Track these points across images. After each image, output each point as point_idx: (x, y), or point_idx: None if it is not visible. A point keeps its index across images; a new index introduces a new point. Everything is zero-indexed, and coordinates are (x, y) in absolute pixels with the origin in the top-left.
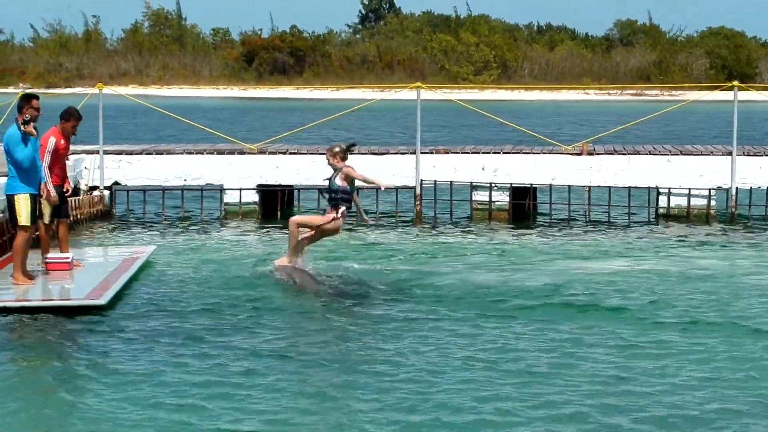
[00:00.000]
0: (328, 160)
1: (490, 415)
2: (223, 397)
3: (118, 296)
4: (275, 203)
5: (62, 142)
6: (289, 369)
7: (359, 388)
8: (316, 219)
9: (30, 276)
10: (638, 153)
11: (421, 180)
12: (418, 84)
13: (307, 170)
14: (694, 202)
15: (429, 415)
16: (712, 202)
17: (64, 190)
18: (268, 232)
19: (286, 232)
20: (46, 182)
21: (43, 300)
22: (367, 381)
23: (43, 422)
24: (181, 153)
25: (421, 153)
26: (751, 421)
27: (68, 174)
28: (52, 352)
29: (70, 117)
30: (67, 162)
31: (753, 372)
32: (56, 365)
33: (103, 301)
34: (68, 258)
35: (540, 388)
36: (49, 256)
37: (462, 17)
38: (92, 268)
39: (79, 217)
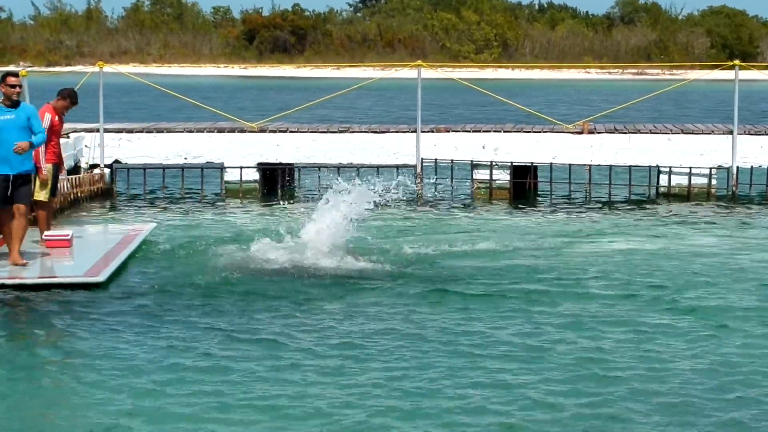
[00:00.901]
0: None
1: (479, 397)
2: (212, 377)
3: (117, 273)
4: (276, 181)
5: (56, 119)
6: (279, 353)
7: (345, 372)
8: None
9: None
10: (639, 132)
11: (422, 158)
12: (419, 62)
13: (307, 148)
14: (694, 180)
15: (410, 396)
16: (713, 181)
17: (59, 171)
18: (269, 210)
19: (287, 209)
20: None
21: (41, 277)
22: (352, 365)
23: (35, 399)
24: (182, 131)
25: (422, 132)
26: (748, 407)
27: (69, 152)
28: (48, 328)
29: (68, 97)
30: (67, 141)
31: (748, 354)
32: (52, 342)
33: (101, 278)
34: (68, 235)
35: (540, 365)
36: (48, 233)
37: None
38: (92, 245)
39: (79, 195)
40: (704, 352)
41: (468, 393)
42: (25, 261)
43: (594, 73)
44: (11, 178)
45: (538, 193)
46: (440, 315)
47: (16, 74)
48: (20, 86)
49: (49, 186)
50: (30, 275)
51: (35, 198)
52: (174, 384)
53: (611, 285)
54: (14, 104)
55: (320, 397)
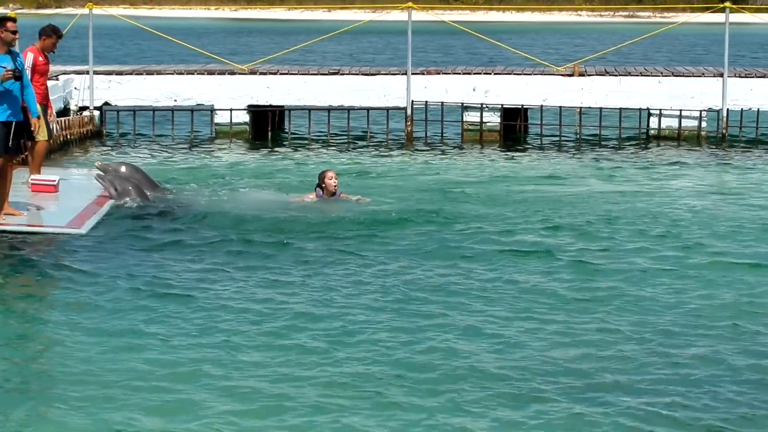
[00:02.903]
0: None
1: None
2: (185, 329)
3: (101, 219)
4: (266, 124)
5: (41, 59)
6: (258, 292)
7: (320, 334)
8: None
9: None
10: (629, 74)
11: (412, 101)
12: (410, 4)
13: (297, 91)
14: (685, 123)
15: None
16: (703, 124)
17: (48, 114)
18: (259, 152)
19: (278, 152)
20: (39, 117)
21: (21, 225)
22: (332, 324)
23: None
24: (172, 73)
25: (412, 74)
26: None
27: (58, 94)
28: (26, 276)
29: (52, 34)
30: (56, 83)
31: (730, 301)
32: (28, 290)
33: (83, 230)
34: (54, 181)
35: (532, 309)
36: (34, 177)
37: None
38: (77, 192)
39: (69, 137)
40: (697, 295)
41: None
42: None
43: (585, 16)
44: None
45: (528, 135)
46: (432, 265)
47: (14, 19)
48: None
49: (43, 126)
50: (12, 221)
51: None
52: (152, 325)
53: (600, 228)
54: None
55: (300, 339)
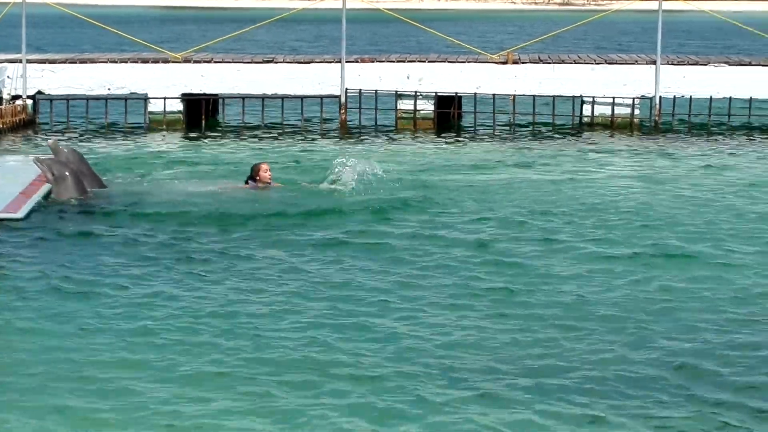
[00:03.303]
0: None
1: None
2: (113, 318)
3: (37, 206)
4: (199, 112)
5: None
6: (186, 271)
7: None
8: None
9: None
10: (563, 62)
11: (346, 89)
12: None
13: (231, 79)
14: (617, 110)
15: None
16: (636, 111)
17: None
18: (193, 141)
19: (211, 140)
20: None
21: None
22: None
23: None
24: (105, 62)
25: (347, 62)
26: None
27: None
28: None
29: None
30: None
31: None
32: None
33: (20, 215)
34: None
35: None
36: None
37: None
38: (11, 179)
39: (1, 126)
40: (627, 281)
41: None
42: None
43: (520, 4)
44: None
45: (462, 123)
46: (363, 254)
47: None
48: None
49: None
50: None
51: None
52: (81, 313)
53: (530, 216)
54: None
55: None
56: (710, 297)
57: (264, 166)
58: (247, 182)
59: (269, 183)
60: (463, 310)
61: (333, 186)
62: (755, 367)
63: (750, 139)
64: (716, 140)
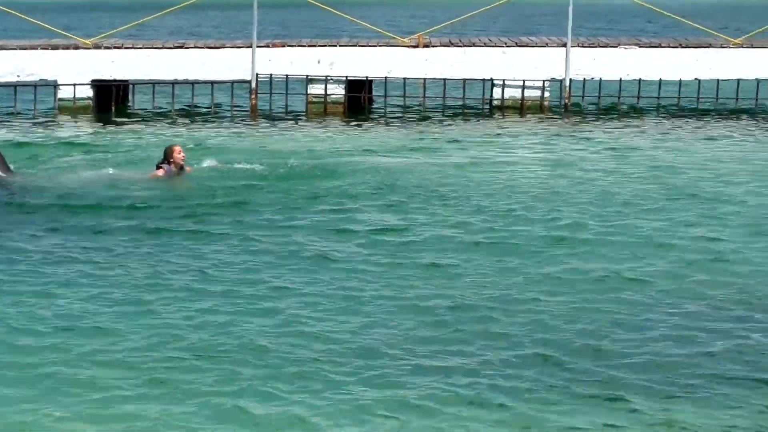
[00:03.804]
0: None
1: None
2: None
3: None
4: (110, 98)
5: None
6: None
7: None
8: None
9: None
10: (474, 45)
11: (257, 74)
12: None
13: (142, 65)
14: (528, 93)
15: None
16: (546, 93)
17: None
18: (103, 128)
19: (122, 127)
20: None
21: None
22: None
23: None
24: (15, 48)
25: (257, 47)
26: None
27: None
28: None
29: None
30: None
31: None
32: None
33: None
34: None
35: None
36: None
37: None
38: None
39: None
40: (520, 268)
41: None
42: None
43: None
44: None
45: (373, 107)
46: (273, 240)
47: None
48: None
49: None
50: None
51: None
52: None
53: (439, 199)
54: None
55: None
56: (598, 280)
57: (177, 148)
58: (160, 166)
59: (182, 165)
60: (358, 296)
61: (242, 170)
62: (640, 347)
63: (658, 122)
64: (626, 122)
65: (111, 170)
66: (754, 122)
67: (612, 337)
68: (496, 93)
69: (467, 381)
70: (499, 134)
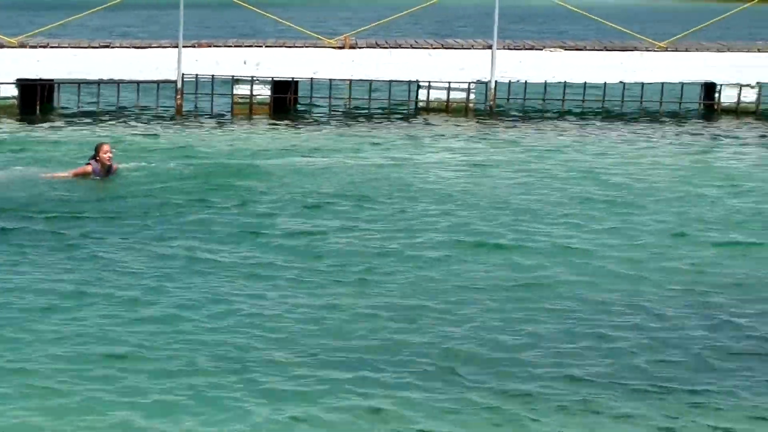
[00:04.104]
0: None
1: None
2: None
3: None
4: (35, 98)
5: None
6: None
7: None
8: None
9: None
10: (400, 46)
11: (183, 74)
12: None
13: (68, 64)
14: (453, 95)
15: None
16: (471, 96)
17: None
18: (28, 127)
19: (47, 126)
20: None
21: None
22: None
23: None
24: None
25: (184, 47)
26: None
27: None
28: None
29: None
30: None
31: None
32: None
33: None
34: None
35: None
36: None
37: None
38: None
39: None
40: (437, 270)
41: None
42: None
43: None
44: None
45: (298, 108)
46: (192, 242)
47: None
48: None
49: None
50: None
51: None
52: None
53: (365, 201)
54: None
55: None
56: (511, 287)
57: (105, 147)
58: (89, 162)
59: (110, 163)
60: (270, 295)
61: (164, 170)
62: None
63: (583, 125)
64: (550, 125)
65: (33, 169)
66: (678, 126)
67: (522, 345)
68: (422, 95)
69: (364, 391)
70: (423, 136)
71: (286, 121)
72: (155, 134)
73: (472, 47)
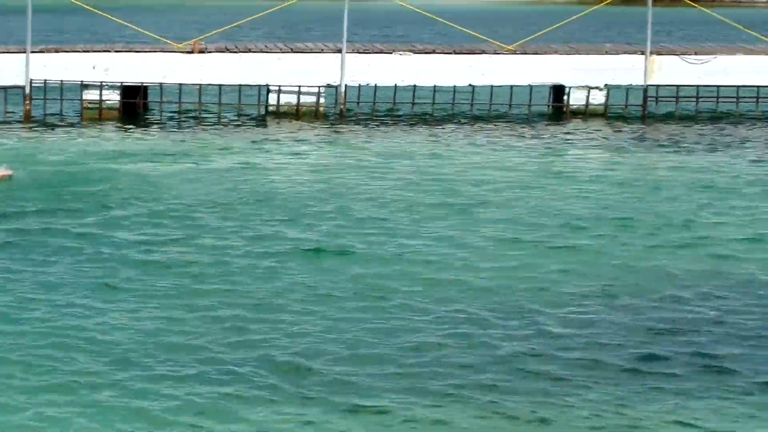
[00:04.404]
0: None
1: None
2: None
3: None
4: None
5: None
6: None
7: None
8: None
9: None
10: (250, 51)
11: (31, 79)
12: None
13: None
14: (303, 99)
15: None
16: (322, 100)
17: None
18: None
19: None
20: None
21: None
22: None
23: None
24: None
25: (31, 52)
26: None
27: None
28: None
29: None
30: None
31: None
32: None
33: None
34: None
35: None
36: None
37: None
38: None
39: None
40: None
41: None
42: None
43: None
44: None
45: (148, 113)
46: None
47: None
48: None
49: None
50: None
51: None
52: None
53: (214, 204)
54: None
55: None
56: (342, 290)
57: None
58: None
59: None
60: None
61: (6, 177)
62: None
63: (431, 128)
64: (399, 129)
65: None
66: (527, 129)
67: (360, 347)
68: (272, 99)
69: (218, 390)
70: (273, 141)
71: (135, 126)
72: (2, 141)
73: (321, 51)
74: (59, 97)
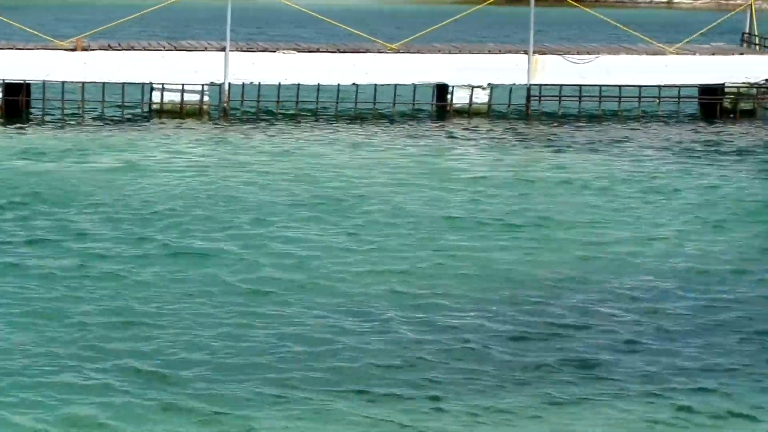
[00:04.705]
0: None
1: None
2: None
3: None
4: None
5: None
6: None
7: None
8: None
9: None
10: (133, 49)
11: None
12: None
13: None
14: (187, 97)
15: None
16: (205, 98)
17: None
18: None
19: None
20: None
21: None
22: None
23: None
24: None
25: None
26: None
27: None
28: None
29: None
30: None
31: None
32: None
33: None
34: None
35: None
36: None
37: None
38: None
39: None
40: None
41: None
42: None
43: None
44: None
45: (31, 111)
46: None
47: None
48: None
49: None
50: None
51: None
52: None
53: (93, 204)
54: None
55: None
56: (221, 289)
57: None
58: None
59: None
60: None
61: None
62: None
63: (315, 127)
64: (283, 127)
65: None
66: (411, 127)
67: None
68: (156, 97)
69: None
70: (154, 139)
71: (17, 124)
72: None
73: (205, 49)
74: None
